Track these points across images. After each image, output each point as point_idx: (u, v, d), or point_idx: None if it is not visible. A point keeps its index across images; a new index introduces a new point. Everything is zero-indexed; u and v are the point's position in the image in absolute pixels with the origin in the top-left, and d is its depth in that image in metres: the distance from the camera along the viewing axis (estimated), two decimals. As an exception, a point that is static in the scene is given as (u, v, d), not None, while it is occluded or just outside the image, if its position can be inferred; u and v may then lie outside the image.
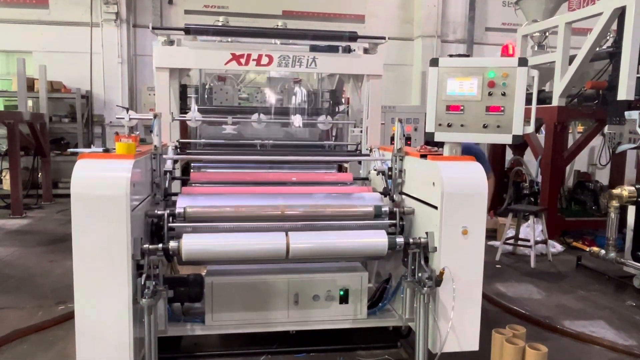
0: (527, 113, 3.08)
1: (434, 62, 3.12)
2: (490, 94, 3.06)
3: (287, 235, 3.05)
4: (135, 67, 11.16)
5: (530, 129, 3.10)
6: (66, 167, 10.17)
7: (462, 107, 3.11)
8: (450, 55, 3.26)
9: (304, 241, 3.09)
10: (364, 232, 3.23)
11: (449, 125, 3.14)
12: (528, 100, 3.08)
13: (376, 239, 3.16)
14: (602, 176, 8.86)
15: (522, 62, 3.03)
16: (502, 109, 3.06)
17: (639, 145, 5.51)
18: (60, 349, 3.69)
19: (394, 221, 3.32)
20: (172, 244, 2.86)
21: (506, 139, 3.10)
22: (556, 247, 6.81)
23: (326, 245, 3.13)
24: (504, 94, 3.04)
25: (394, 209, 3.35)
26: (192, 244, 2.95)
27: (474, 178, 3.04)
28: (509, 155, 9.53)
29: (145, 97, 10.37)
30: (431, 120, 3.16)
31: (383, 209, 3.35)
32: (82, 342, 2.68)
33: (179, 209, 3.12)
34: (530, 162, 9.02)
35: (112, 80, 10.75)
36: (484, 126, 3.09)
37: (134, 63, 11.14)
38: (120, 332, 2.68)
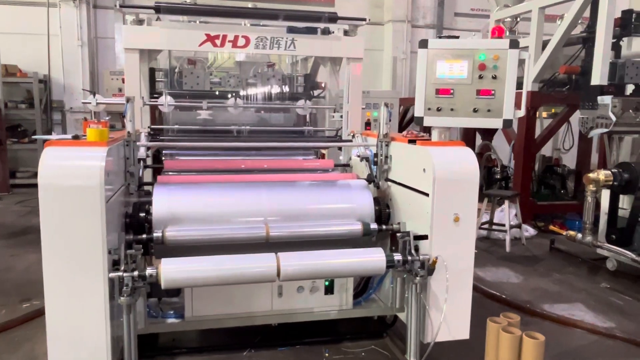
0: (517, 97, 3.03)
1: (423, 44, 3.01)
2: (480, 77, 2.98)
3: (277, 256, 2.75)
4: (96, 50, 10.66)
5: (521, 113, 3.03)
6: (24, 155, 9.69)
7: (452, 91, 3.02)
8: (440, 37, 3.16)
9: (296, 263, 2.78)
10: (359, 251, 2.97)
11: (438, 110, 3.05)
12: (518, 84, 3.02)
13: (373, 258, 2.90)
14: (566, 160, 9.04)
15: (514, 44, 2.95)
16: (493, 92, 2.99)
17: (612, 130, 5.58)
18: (28, 350, 3.46)
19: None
20: (150, 270, 2.58)
21: (497, 123, 3.03)
22: (529, 231, 6.90)
23: (320, 267, 2.85)
24: (494, 77, 2.97)
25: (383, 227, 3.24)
26: (172, 270, 2.62)
27: (465, 163, 2.96)
28: (478, 140, 9.61)
29: (108, 82, 9.89)
30: (420, 104, 3.06)
31: (372, 227, 3.19)
32: (55, 344, 2.48)
33: (156, 233, 2.88)
34: (498, 147, 9.12)
35: (71, 64, 10.22)
36: (474, 110, 3.02)
37: (95, 46, 10.63)
38: (96, 332, 2.50)
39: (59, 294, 2.46)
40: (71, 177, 2.40)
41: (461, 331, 3.03)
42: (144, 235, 2.90)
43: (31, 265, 5.13)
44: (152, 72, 4.85)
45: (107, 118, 3.21)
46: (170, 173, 3.61)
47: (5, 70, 9.50)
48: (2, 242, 6.07)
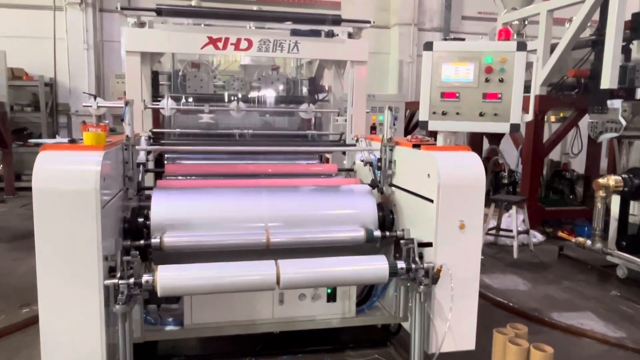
0: (524, 101, 2.94)
1: (429, 46, 2.94)
2: (487, 80, 2.90)
3: (277, 263, 2.67)
4: (102, 54, 10.67)
5: (529, 117, 2.95)
6: (30, 158, 9.66)
7: (457, 94, 2.94)
8: (445, 39, 3.08)
9: (296, 270, 2.70)
10: (362, 258, 2.88)
11: (443, 114, 2.97)
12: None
13: (376, 266, 2.80)
14: (575, 165, 8.92)
15: (521, 46, 2.87)
16: (500, 96, 2.90)
17: (622, 134, 5.46)
18: (26, 356, 3.42)
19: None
20: (146, 277, 2.51)
21: (503, 127, 2.95)
22: (537, 237, 6.79)
23: (320, 275, 2.77)
24: (501, 80, 2.89)
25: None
26: (169, 277, 2.55)
27: (471, 169, 2.88)
28: (485, 144, 9.50)
29: (114, 85, 9.89)
30: (425, 108, 2.99)
31: (375, 234, 3.11)
32: (49, 352, 2.42)
33: (154, 239, 2.83)
34: (506, 152, 9.01)
35: (77, 67, 10.24)
36: (481, 114, 2.94)
37: (101, 49, 10.65)
38: (91, 340, 2.43)
39: (53, 301, 2.40)
40: (66, 181, 2.35)
41: (467, 341, 2.94)
42: (142, 242, 2.84)
43: (32, 269, 4.96)
44: (155, 75, 4.81)
45: (106, 122, 3.17)
46: (171, 177, 3.56)
47: (11, 74, 9.53)
48: (4, 246, 6.04)
